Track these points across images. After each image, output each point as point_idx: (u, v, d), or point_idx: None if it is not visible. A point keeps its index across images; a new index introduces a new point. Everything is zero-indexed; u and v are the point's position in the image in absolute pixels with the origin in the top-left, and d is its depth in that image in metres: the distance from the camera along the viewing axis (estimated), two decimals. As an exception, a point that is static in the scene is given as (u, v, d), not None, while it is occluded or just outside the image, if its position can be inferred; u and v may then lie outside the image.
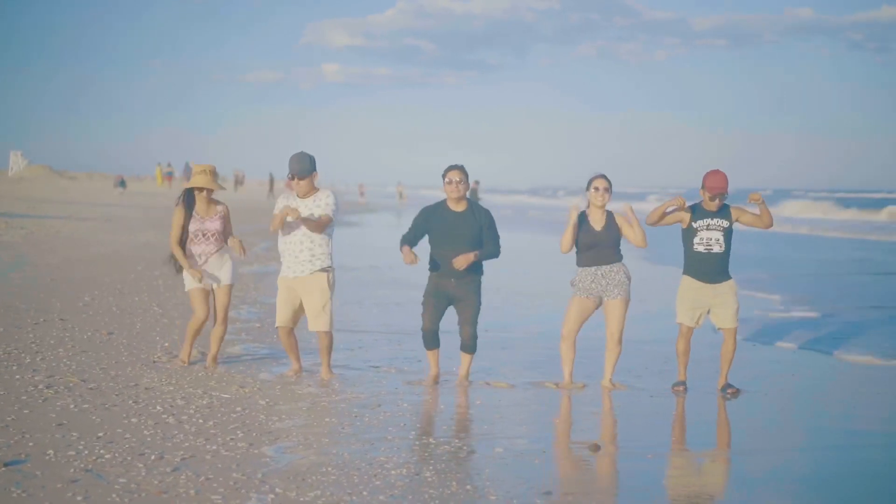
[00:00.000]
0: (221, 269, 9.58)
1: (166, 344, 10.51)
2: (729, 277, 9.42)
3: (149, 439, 6.85)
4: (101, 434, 6.90)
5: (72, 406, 7.65)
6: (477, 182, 39.24)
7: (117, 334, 10.90)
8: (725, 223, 9.33)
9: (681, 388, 9.37)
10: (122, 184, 65.73)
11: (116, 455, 6.42)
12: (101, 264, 17.93)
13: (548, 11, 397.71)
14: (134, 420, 7.34)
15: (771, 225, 9.40)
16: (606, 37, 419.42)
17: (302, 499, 5.78)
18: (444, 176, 9.31)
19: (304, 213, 9.14)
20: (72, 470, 6.08)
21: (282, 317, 9.35)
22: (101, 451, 6.47)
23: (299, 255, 9.22)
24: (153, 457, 6.43)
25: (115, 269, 17.12)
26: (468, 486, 6.18)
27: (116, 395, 8.12)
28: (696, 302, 9.37)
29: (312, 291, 9.25)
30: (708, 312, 9.43)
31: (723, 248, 9.33)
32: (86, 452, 6.44)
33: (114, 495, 5.67)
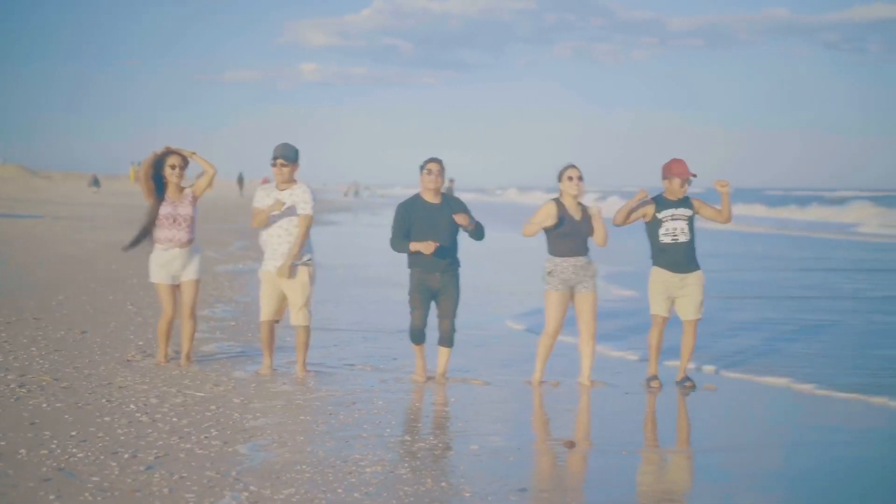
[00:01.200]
0: (188, 264, 9.49)
1: (140, 342, 10.45)
2: (698, 268, 9.47)
3: (122, 438, 6.81)
4: (73, 433, 6.85)
5: (44, 405, 7.60)
6: (452, 180, 39.18)
7: (91, 333, 10.84)
8: (689, 212, 9.41)
9: (656, 382, 9.39)
10: (96, 182, 65.48)
11: (89, 454, 6.38)
12: (75, 263, 17.84)
13: (524, 11, 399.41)
14: (107, 419, 7.30)
15: (730, 219, 9.48)
16: (583, 37, 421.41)
17: (276, 497, 5.76)
18: (422, 167, 9.32)
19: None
20: (44, 469, 6.04)
21: (267, 310, 9.34)
22: (74, 450, 6.43)
23: (278, 247, 9.21)
24: (126, 455, 6.39)
25: (89, 268, 17.04)
26: (443, 483, 6.17)
27: (89, 393, 8.07)
28: (668, 291, 9.43)
29: (294, 286, 9.26)
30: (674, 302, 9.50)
31: (688, 238, 9.38)
32: (58, 451, 6.39)
33: (86, 494, 5.63)
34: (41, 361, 9.19)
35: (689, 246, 9.40)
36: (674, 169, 9.36)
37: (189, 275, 9.50)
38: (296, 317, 9.30)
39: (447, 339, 9.40)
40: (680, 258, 9.36)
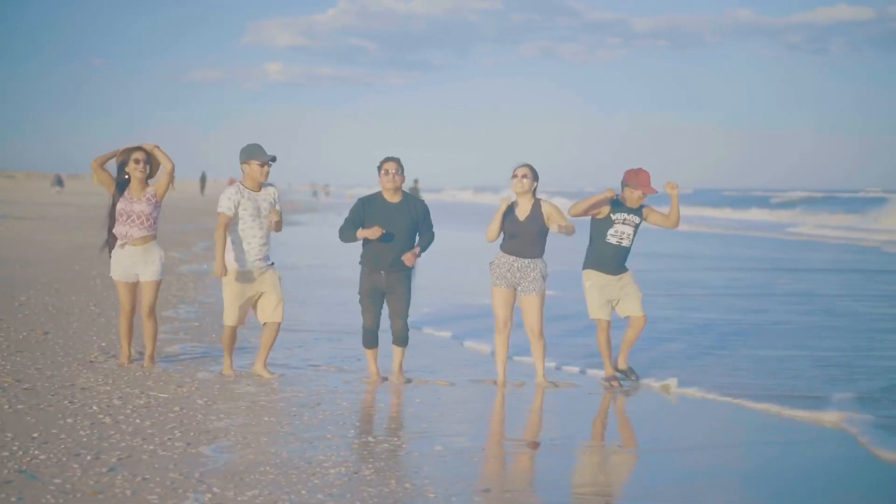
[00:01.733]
0: (148, 264, 9.38)
1: (103, 343, 10.39)
2: (627, 269, 9.70)
3: (84, 440, 6.78)
4: (35, 435, 6.81)
5: (6, 407, 7.54)
6: (417, 181, 39.04)
7: (53, 334, 10.78)
8: (638, 220, 9.62)
9: (615, 382, 9.47)
10: (60, 182, 64.98)
11: (51, 456, 6.35)
12: (38, 264, 17.71)
13: (490, 12, 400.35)
14: (69, 420, 7.26)
15: (678, 224, 9.70)
16: (549, 37, 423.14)
17: (240, 498, 5.76)
18: (379, 167, 9.29)
19: (262, 206, 9.16)
20: (5, 471, 6.00)
21: (235, 315, 9.18)
22: (36, 452, 6.39)
23: (260, 249, 9.15)
24: (89, 457, 6.37)
25: (52, 269, 16.92)
26: (407, 485, 6.18)
27: (52, 395, 8.02)
28: (607, 295, 9.60)
29: (272, 284, 9.23)
30: (615, 304, 9.68)
31: (630, 243, 9.61)
32: (20, 453, 6.36)
33: (48, 496, 5.60)
34: (3, 363, 9.12)
35: (628, 251, 9.63)
36: (641, 180, 9.47)
37: (148, 275, 9.39)
38: (274, 314, 9.23)
39: (400, 339, 9.40)
40: (618, 261, 9.59)
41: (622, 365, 9.67)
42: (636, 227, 9.58)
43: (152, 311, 9.43)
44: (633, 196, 9.48)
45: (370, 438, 7.29)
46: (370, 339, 9.39)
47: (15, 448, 6.46)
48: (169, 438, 6.93)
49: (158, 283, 9.47)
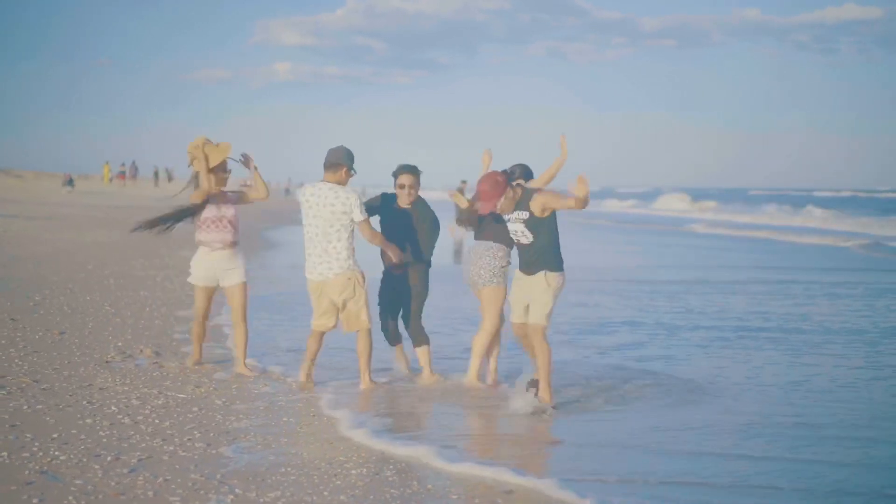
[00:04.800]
0: (233, 268, 9.35)
1: (119, 343, 10.36)
2: (542, 269, 8.43)
3: (104, 440, 6.75)
4: (55, 435, 6.79)
5: (25, 407, 7.52)
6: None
7: (69, 334, 10.75)
8: (526, 215, 8.32)
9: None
10: (70, 182, 64.96)
11: (72, 456, 6.32)
12: (51, 263, 17.69)
13: (498, 11, 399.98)
14: (89, 421, 7.23)
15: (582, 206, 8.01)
16: (556, 36, 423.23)
17: (262, 499, 5.72)
18: (395, 177, 9.25)
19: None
20: (26, 472, 5.97)
21: (326, 321, 8.89)
22: (56, 453, 6.37)
23: (322, 255, 8.73)
24: (109, 458, 6.34)
25: (65, 268, 16.90)
26: (429, 486, 6.14)
27: (70, 395, 8.00)
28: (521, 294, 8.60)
29: (349, 291, 8.78)
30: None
31: (529, 240, 8.38)
32: (40, 454, 6.33)
33: (70, 497, 5.58)
34: (20, 363, 9.10)
35: (530, 249, 8.45)
36: (480, 193, 8.38)
37: (235, 279, 9.35)
38: (357, 322, 8.86)
39: (418, 340, 9.37)
40: (523, 259, 8.53)
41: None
42: (525, 222, 8.34)
43: (244, 316, 9.39)
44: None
45: (390, 439, 7.25)
46: (388, 337, 9.49)
47: (35, 449, 6.44)
48: (189, 439, 6.91)
49: (245, 286, 9.41)
